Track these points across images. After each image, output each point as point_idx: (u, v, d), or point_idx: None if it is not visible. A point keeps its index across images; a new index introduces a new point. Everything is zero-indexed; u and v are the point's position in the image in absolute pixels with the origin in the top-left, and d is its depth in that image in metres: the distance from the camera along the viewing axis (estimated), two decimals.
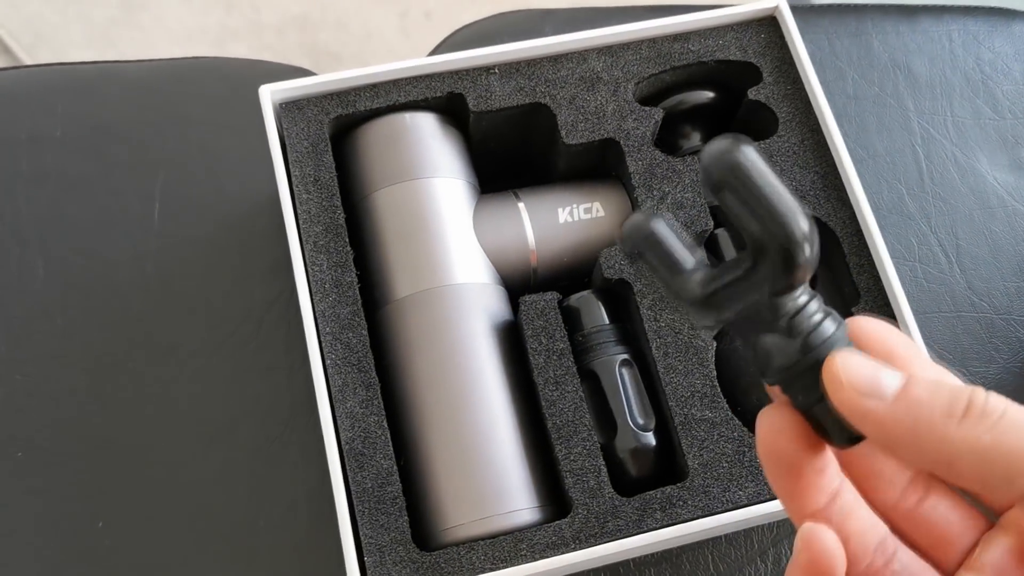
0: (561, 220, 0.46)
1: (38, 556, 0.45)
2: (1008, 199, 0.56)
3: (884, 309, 0.43)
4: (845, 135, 0.57)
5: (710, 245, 0.47)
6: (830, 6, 0.62)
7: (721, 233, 0.47)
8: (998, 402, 0.22)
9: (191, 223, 0.52)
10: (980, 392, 0.22)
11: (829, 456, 0.25)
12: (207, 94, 0.55)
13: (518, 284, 0.46)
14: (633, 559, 0.48)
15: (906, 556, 0.25)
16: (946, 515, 0.25)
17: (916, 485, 0.26)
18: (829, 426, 0.24)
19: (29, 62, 1.22)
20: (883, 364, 0.23)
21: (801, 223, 0.21)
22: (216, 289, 0.50)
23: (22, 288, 0.49)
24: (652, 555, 0.48)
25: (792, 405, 0.24)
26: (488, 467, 0.40)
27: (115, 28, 1.29)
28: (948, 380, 0.23)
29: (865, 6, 0.62)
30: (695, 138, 0.49)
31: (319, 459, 0.48)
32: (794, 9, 0.62)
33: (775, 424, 0.24)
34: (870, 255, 0.44)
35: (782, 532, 0.49)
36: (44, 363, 0.48)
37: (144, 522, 0.46)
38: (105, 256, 0.50)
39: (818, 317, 0.23)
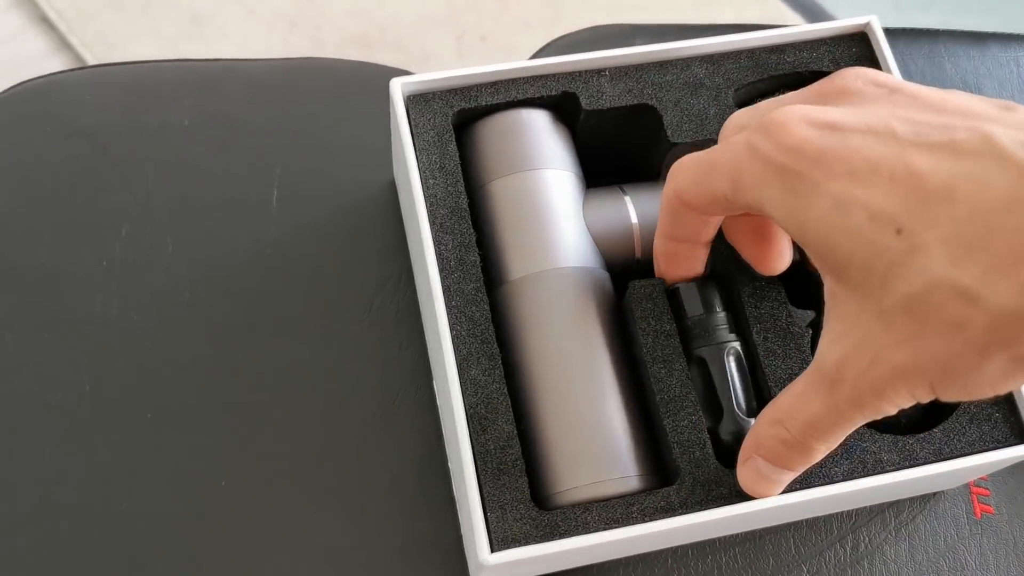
0: None
1: (165, 509, 0.48)
2: None
3: None
4: None
5: None
6: (904, 30, 0.65)
7: None
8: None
9: (306, 210, 0.55)
10: None
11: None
12: (320, 91, 0.59)
13: (620, 271, 0.49)
14: (719, 538, 0.50)
15: None
16: None
17: None
18: None
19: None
20: None
21: None
22: (329, 271, 0.54)
23: (152, 262, 0.53)
24: (736, 536, 0.51)
25: None
26: (600, 436, 0.43)
27: (184, 42, 1.33)
28: None
29: (937, 31, 0.65)
30: None
31: (424, 432, 0.51)
32: None
33: None
34: None
35: (860, 520, 0.51)
36: (172, 333, 0.51)
37: (261, 485, 0.49)
38: (227, 237, 0.54)
39: None
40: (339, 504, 0.49)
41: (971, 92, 0.62)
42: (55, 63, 1.33)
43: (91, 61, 1.32)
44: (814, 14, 1.47)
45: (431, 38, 1.40)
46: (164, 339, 0.51)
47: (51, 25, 1.34)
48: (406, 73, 0.60)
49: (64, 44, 1.34)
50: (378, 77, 0.55)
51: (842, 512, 0.51)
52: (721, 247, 0.47)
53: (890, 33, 0.65)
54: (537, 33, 1.42)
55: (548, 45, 0.62)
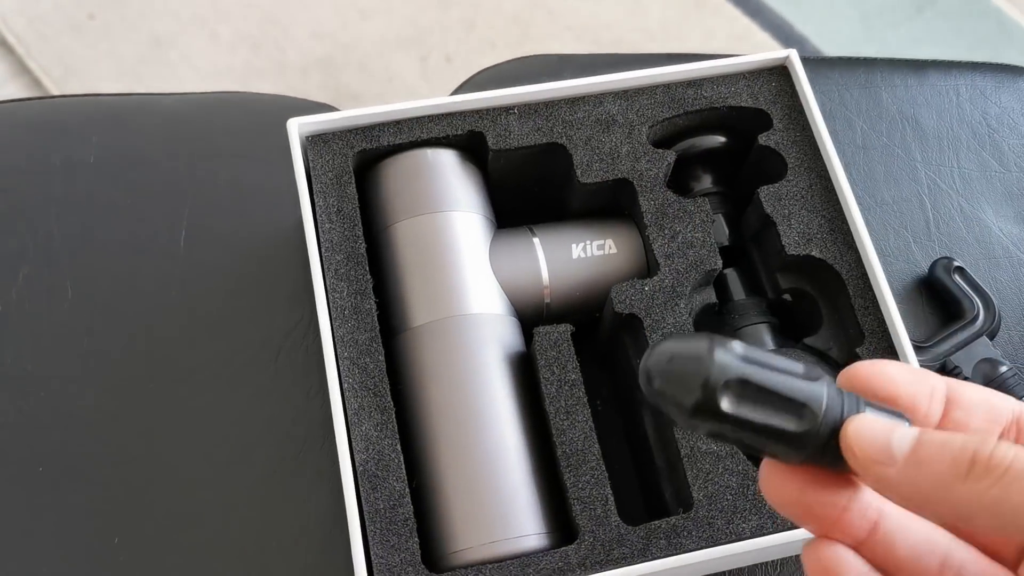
0: (574, 256, 0.47)
1: (53, 568, 0.46)
2: (1013, 249, 0.57)
3: (888, 350, 0.44)
4: (853, 183, 0.58)
5: (719, 284, 0.48)
6: (841, 59, 0.63)
7: (730, 273, 0.49)
8: (1005, 453, 0.21)
9: (215, 251, 0.53)
10: (987, 444, 0.21)
11: (854, 490, 0.24)
12: (235, 127, 0.57)
13: (531, 317, 0.47)
14: None
15: (974, 568, 0.24)
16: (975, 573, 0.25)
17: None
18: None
19: (59, 94, 1.25)
20: (896, 421, 0.23)
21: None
22: (237, 315, 0.52)
23: (50, 308, 0.51)
24: None
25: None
26: (497, 493, 0.41)
27: (144, 65, 1.32)
28: (958, 432, 0.23)
29: (875, 60, 0.63)
30: (706, 181, 0.50)
31: (331, 483, 0.49)
32: (805, 61, 0.64)
33: (782, 476, 0.24)
34: (875, 297, 0.45)
35: (785, 571, 0.49)
36: (68, 382, 0.50)
37: (158, 540, 0.47)
38: (131, 280, 0.52)
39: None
40: (240, 562, 0.47)
41: (907, 122, 0.61)
42: (13, 87, 1.32)
43: (49, 85, 1.30)
44: (784, 32, 1.46)
45: (396, 59, 1.39)
46: (59, 389, 0.49)
47: (10, 49, 1.32)
48: (330, 108, 0.59)
49: (23, 68, 1.32)
50: (296, 111, 0.53)
51: (767, 562, 0.49)
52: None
53: (826, 62, 0.64)
54: (503, 54, 1.40)
55: (469, 80, 0.60)
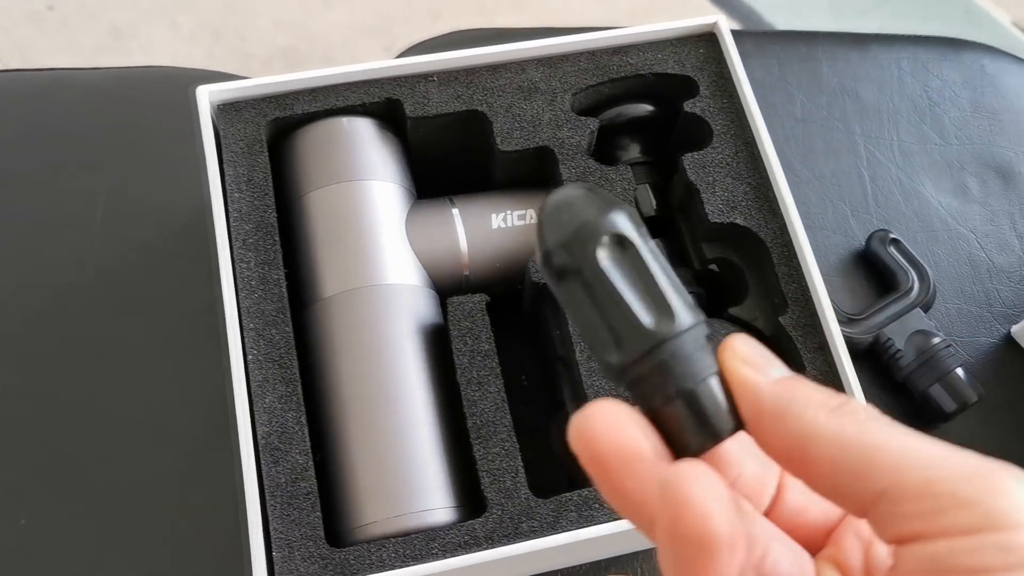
0: (494, 226, 0.46)
1: None
2: (951, 222, 0.56)
3: (811, 319, 0.43)
4: (792, 157, 0.57)
5: None
6: (782, 32, 0.63)
7: (657, 243, 0.48)
8: (873, 409, 0.22)
9: (134, 226, 0.52)
10: (859, 400, 0.22)
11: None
12: (159, 101, 0.56)
13: (451, 289, 0.46)
14: (560, 570, 0.47)
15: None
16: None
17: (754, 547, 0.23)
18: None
19: None
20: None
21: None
22: (156, 291, 0.51)
23: None
24: (580, 567, 0.47)
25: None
26: (404, 466, 0.40)
27: (103, 55, 1.30)
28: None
29: (817, 33, 0.62)
30: (633, 150, 0.49)
31: None
32: (746, 34, 0.63)
33: (619, 419, 0.22)
34: (799, 265, 0.44)
35: None
36: None
37: (68, 521, 0.46)
38: (46, 256, 0.51)
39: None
40: (153, 545, 0.46)
41: (848, 96, 0.60)
42: None
43: None
44: (753, 21, 1.45)
45: (361, 49, 1.38)
46: None
47: None
48: None
49: None
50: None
51: None
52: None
53: (767, 35, 0.63)
54: None
55: (403, 53, 0.59)
